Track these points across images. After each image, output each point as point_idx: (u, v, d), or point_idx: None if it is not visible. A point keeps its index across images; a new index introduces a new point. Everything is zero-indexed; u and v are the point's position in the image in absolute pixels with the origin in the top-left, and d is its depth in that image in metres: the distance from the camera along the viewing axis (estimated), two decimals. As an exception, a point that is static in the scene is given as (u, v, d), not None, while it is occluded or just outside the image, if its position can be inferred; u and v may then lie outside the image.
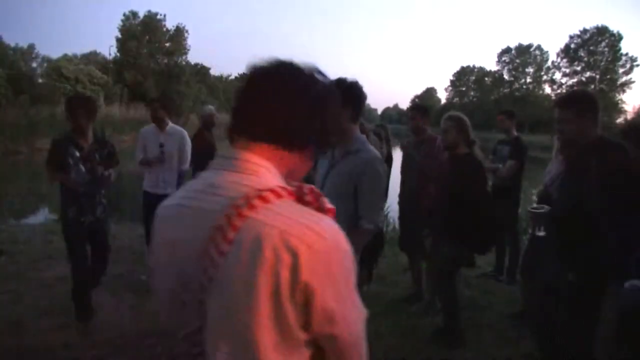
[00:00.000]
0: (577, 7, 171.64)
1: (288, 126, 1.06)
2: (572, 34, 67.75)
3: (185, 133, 5.62)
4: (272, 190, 0.98)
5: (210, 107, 7.12)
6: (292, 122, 1.06)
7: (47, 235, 6.94)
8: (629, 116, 58.99)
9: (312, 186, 1.08)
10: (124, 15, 46.51)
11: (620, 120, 57.36)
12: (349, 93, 2.60)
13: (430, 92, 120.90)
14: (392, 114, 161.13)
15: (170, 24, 48.62)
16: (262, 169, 1.05)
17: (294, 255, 0.91)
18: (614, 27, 66.56)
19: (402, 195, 5.11)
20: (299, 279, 0.91)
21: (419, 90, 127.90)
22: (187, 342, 1.02)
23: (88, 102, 4.25)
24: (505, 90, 75.56)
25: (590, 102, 2.86)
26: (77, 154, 3.98)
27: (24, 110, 24.64)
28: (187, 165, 5.74)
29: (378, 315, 4.52)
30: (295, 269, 0.91)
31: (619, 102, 63.60)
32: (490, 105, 67.81)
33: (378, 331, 4.13)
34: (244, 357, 0.95)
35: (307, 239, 0.93)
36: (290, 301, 0.93)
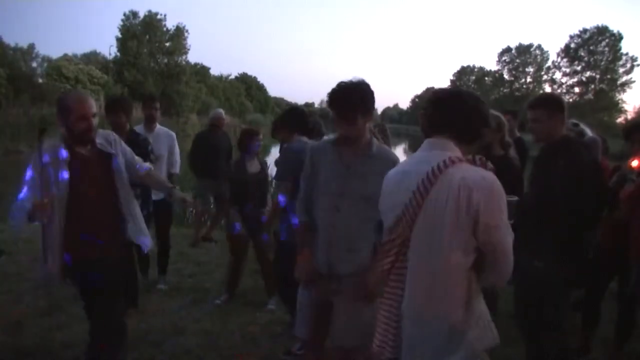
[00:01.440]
0: (577, 7, 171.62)
1: (465, 128, 1.89)
2: (572, 33, 67.67)
3: (175, 135, 5.52)
4: (457, 158, 1.79)
5: (220, 111, 7.18)
6: (468, 126, 1.89)
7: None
8: (630, 116, 58.98)
9: (481, 156, 1.87)
10: (124, 15, 46.43)
11: (620, 120, 57.40)
12: (373, 98, 2.62)
13: (430, 92, 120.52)
14: (392, 113, 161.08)
15: (170, 24, 48.58)
16: (451, 150, 1.83)
17: (469, 189, 1.69)
18: (614, 27, 66.48)
19: None
20: (471, 203, 1.68)
21: (419, 90, 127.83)
22: (398, 246, 1.89)
23: (125, 102, 4.45)
24: (506, 90, 75.43)
25: (558, 104, 3.09)
26: None
27: (24, 109, 24.62)
28: (177, 169, 5.61)
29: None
30: (469, 197, 1.68)
31: (619, 101, 63.51)
32: (491, 105, 67.58)
33: (378, 331, 4.14)
34: (438, 254, 1.76)
35: (477, 181, 1.71)
36: (466, 217, 1.70)
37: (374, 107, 2.69)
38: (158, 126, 5.31)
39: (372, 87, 2.63)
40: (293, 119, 4.02)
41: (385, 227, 1.97)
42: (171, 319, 4.27)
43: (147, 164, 3.20)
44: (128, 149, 3.08)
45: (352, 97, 2.52)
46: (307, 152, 2.91)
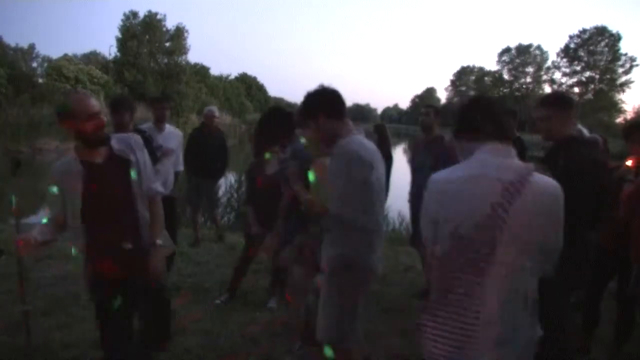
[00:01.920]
0: (576, 7, 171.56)
1: (512, 132, 1.93)
2: (571, 34, 67.79)
3: (180, 135, 5.61)
4: (532, 166, 1.83)
5: (210, 108, 7.00)
6: (512, 130, 2.02)
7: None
8: (629, 116, 59.00)
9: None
10: (124, 15, 46.44)
11: (619, 120, 57.42)
12: (328, 99, 2.77)
13: (430, 92, 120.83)
14: (392, 113, 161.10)
15: (170, 24, 48.58)
16: (515, 156, 1.87)
17: (553, 197, 1.81)
18: (613, 27, 66.49)
19: (413, 194, 5.11)
20: (553, 210, 1.80)
21: (419, 90, 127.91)
22: (484, 245, 1.77)
23: (129, 102, 4.54)
24: (505, 90, 75.52)
25: (568, 102, 3.12)
26: None
27: (25, 109, 24.63)
28: (181, 167, 5.70)
29: (378, 315, 4.53)
30: (552, 204, 1.80)
31: (619, 101, 63.61)
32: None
33: (378, 331, 4.14)
34: (524, 264, 1.79)
35: (556, 188, 1.82)
36: (547, 224, 1.80)
37: (322, 110, 2.73)
38: (167, 126, 5.44)
39: (335, 91, 2.79)
40: (288, 119, 3.89)
41: (440, 237, 1.89)
42: (171, 319, 4.26)
43: (160, 188, 3.06)
44: (149, 162, 2.93)
45: (303, 105, 2.80)
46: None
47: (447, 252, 1.85)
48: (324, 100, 2.76)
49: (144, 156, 2.86)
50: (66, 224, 2.70)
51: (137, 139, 2.89)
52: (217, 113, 6.93)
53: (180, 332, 4.04)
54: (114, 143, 2.75)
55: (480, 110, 1.98)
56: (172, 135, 5.42)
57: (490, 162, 1.85)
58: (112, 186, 2.71)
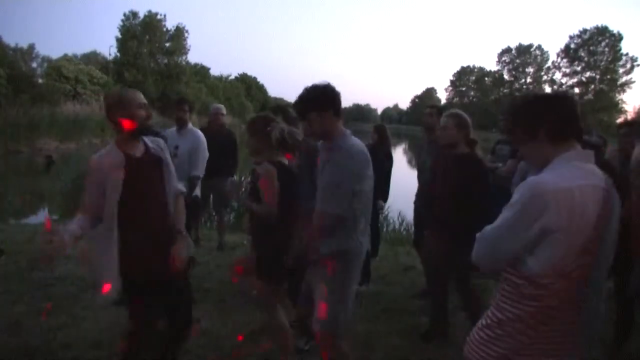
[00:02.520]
0: (577, 7, 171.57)
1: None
2: (572, 34, 67.78)
3: (201, 136, 5.50)
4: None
5: (217, 106, 6.85)
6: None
7: (47, 235, 6.92)
8: (629, 116, 59.03)
9: None
10: (124, 15, 46.53)
11: (620, 120, 57.39)
12: (326, 96, 2.82)
13: (430, 92, 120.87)
14: (392, 114, 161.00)
15: (170, 24, 48.62)
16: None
17: (618, 201, 1.74)
18: (614, 27, 66.49)
19: (418, 195, 5.11)
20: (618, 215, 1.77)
21: (419, 91, 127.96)
22: (588, 261, 1.66)
23: None
24: (505, 90, 75.51)
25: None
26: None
27: (25, 109, 24.63)
28: (198, 172, 5.55)
29: (378, 315, 4.53)
30: (619, 208, 1.76)
31: (619, 102, 63.60)
32: (490, 105, 67.80)
33: (378, 331, 4.14)
34: (603, 274, 1.77)
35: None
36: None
37: (339, 106, 2.85)
38: (189, 126, 5.52)
39: (335, 89, 2.86)
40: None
41: (566, 250, 1.64)
42: (171, 319, 4.26)
43: (183, 188, 3.15)
44: (171, 163, 3.03)
45: (301, 98, 2.84)
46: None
47: (565, 270, 1.64)
48: (316, 97, 2.82)
49: (168, 157, 2.98)
50: (101, 217, 2.71)
51: (163, 141, 3.05)
52: (223, 110, 6.76)
53: (180, 332, 4.04)
54: (148, 141, 2.89)
55: (569, 107, 1.78)
56: (188, 138, 5.44)
57: (592, 169, 1.72)
58: (149, 180, 2.82)
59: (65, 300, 4.43)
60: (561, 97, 1.84)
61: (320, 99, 2.82)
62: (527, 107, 1.82)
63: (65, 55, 43.95)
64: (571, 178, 1.64)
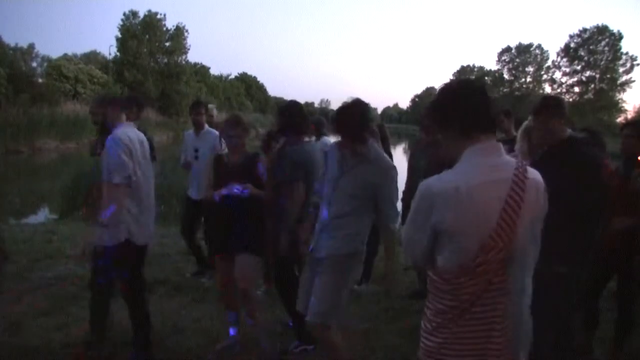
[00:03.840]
0: (577, 6, 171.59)
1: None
2: (572, 33, 67.69)
3: (217, 135, 5.49)
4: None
5: (209, 106, 6.86)
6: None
7: (47, 235, 6.94)
8: (630, 115, 58.97)
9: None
10: (124, 14, 46.45)
11: (620, 119, 57.35)
12: (361, 112, 3.00)
13: (430, 92, 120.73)
14: (392, 113, 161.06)
15: (170, 24, 48.58)
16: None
17: (544, 189, 1.75)
18: (614, 27, 66.44)
19: (407, 193, 5.09)
20: (544, 203, 1.76)
21: (419, 90, 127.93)
22: (495, 258, 1.63)
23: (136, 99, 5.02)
24: (505, 90, 75.46)
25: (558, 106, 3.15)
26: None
27: (25, 109, 24.63)
28: None
29: (378, 315, 4.53)
30: (544, 197, 1.75)
31: (619, 101, 63.50)
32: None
33: (378, 331, 4.14)
34: (537, 243, 1.76)
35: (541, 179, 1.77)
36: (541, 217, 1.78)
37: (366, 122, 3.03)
38: (206, 128, 5.60)
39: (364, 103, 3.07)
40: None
41: (463, 248, 1.66)
42: (171, 319, 4.27)
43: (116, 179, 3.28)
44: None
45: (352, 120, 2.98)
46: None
47: (468, 267, 1.65)
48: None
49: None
50: None
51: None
52: (215, 112, 6.76)
53: (180, 332, 4.05)
54: None
55: (477, 97, 1.75)
56: (207, 139, 5.49)
57: (496, 163, 1.71)
58: None
59: (65, 300, 4.43)
60: (469, 90, 1.78)
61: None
62: (437, 101, 1.83)
63: (65, 54, 44.02)
64: (467, 176, 1.66)
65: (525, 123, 3.42)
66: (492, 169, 1.68)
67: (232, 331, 3.91)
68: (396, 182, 3.06)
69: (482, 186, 1.64)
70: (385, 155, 3.14)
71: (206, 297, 4.83)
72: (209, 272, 5.31)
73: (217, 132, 5.48)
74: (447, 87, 1.84)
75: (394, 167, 3.05)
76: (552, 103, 3.19)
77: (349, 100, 3.05)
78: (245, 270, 3.64)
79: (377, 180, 2.96)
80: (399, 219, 3.19)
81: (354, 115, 2.96)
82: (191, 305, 4.58)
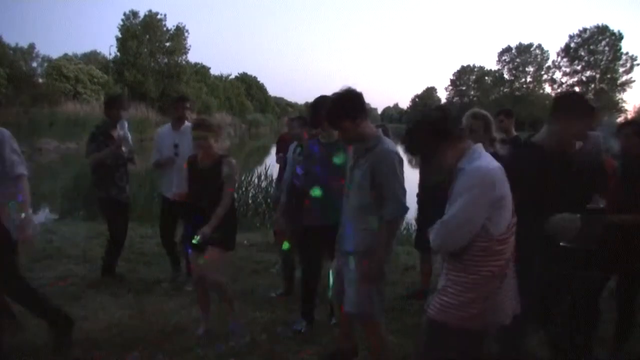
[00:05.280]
0: (577, 6, 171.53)
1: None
2: (572, 33, 67.71)
3: None
4: None
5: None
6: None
7: (47, 235, 6.93)
8: (630, 115, 58.95)
9: None
10: (124, 14, 46.45)
11: (620, 119, 57.30)
12: (358, 102, 3.07)
13: (430, 92, 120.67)
14: (393, 113, 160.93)
15: (170, 24, 48.59)
16: None
17: None
18: (614, 27, 66.38)
19: (420, 195, 5.07)
20: None
21: (419, 90, 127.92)
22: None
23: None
24: (506, 90, 75.49)
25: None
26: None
27: (25, 109, 24.64)
28: None
29: (378, 315, 4.52)
30: None
31: (619, 101, 63.54)
32: (491, 105, 67.80)
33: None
34: None
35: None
36: None
37: (365, 109, 3.11)
38: (186, 124, 5.34)
39: (353, 93, 3.09)
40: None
41: (509, 210, 2.17)
42: (171, 319, 4.27)
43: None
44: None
45: (335, 108, 3.06)
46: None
47: (511, 224, 2.18)
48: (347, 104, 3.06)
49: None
50: None
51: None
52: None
53: (180, 332, 4.04)
54: None
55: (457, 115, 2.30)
56: (188, 135, 5.36)
57: (490, 156, 2.26)
58: None
59: (65, 300, 4.43)
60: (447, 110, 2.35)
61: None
62: (431, 122, 2.27)
63: (66, 54, 44.00)
64: (492, 160, 2.23)
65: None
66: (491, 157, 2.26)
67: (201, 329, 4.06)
68: (394, 165, 3.03)
69: (500, 170, 2.17)
70: (388, 140, 3.15)
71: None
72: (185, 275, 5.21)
73: None
74: (427, 114, 2.37)
75: (392, 151, 3.06)
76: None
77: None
78: (215, 263, 3.82)
79: (379, 169, 3.00)
80: (401, 212, 3.11)
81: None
82: (191, 305, 4.57)
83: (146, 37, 46.18)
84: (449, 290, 2.23)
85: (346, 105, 3.02)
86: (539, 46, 73.81)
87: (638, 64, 62.17)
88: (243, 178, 9.79)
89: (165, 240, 5.45)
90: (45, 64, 46.04)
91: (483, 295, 2.17)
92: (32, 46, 56.94)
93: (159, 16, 47.30)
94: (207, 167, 3.84)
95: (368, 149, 3.05)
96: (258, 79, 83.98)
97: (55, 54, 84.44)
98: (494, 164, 2.16)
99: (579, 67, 65.63)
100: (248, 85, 77.20)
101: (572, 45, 65.62)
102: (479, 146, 2.24)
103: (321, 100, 3.83)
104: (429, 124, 2.25)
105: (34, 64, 53.26)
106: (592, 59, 63.97)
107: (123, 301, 4.63)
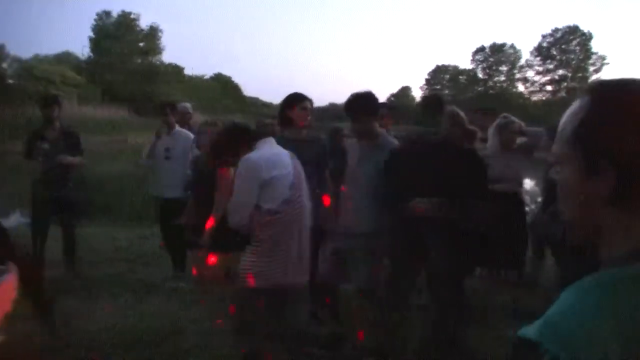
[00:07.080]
0: (549, 7, 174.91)
1: None
2: (544, 33, 69.04)
3: (192, 136, 5.50)
4: None
5: (185, 105, 6.67)
6: None
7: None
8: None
9: None
10: (97, 15, 45.83)
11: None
12: (374, 103, 3.56)
13: (405, 91, 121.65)
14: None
15: (144, 24, 48.09)
16: None
17: None
18: (584, 27, 67.76)
19: None
20: None
21: (394, 89, 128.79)
22: None
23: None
24: (480, 89, 76.52)
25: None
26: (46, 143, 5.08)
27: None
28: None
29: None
30: None
31: (591, 99, 64.91)
32: (466, 104, 68.77)
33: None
34: None
35: None
36: None
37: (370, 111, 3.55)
38: (177, 128, 5.54)
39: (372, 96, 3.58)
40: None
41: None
42: (170, 319, 4.23)
43: None
44: None
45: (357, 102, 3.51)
46: None
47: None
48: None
49: None
50: None
51: None
52: (190, 110, 6.51)
53: (179, 332, 4.01)
54: None
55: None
56: (179, 139, 5.45)
57: None
58: None
59: (65, 300, 4.35)
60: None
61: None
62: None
63: (37, 55, 43.17)
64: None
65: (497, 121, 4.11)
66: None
67: None
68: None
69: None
70: (391, 137, 3.76)
71: (205, 297, 4.78)
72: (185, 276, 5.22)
73: (191, 134, 5.47)
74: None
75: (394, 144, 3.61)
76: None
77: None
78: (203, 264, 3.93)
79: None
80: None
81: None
82: (190, 306, 4.53)
83: (120, 37, 45.62)
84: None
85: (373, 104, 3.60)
86: (512, 46, 75.08)
87: (607, 64, 63.69)
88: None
89: (167, 240, 5.49)
90: (15, 65, 45.14)
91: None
92: (1, 46, 55.83)
93: (132, 16, 46.79)
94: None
95: (377, 145, 3.51)
96: (233, 79, 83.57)
97: (25, 54, 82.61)
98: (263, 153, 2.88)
99: (551, 66, 66.93)
100: (223, 85, 76.68)
101: (545, 44, 66.91)
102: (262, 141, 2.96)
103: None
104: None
105: (4, 65, 52.25)
106: (563, 57, 65.29)
107: (122, 301, 4.57)
